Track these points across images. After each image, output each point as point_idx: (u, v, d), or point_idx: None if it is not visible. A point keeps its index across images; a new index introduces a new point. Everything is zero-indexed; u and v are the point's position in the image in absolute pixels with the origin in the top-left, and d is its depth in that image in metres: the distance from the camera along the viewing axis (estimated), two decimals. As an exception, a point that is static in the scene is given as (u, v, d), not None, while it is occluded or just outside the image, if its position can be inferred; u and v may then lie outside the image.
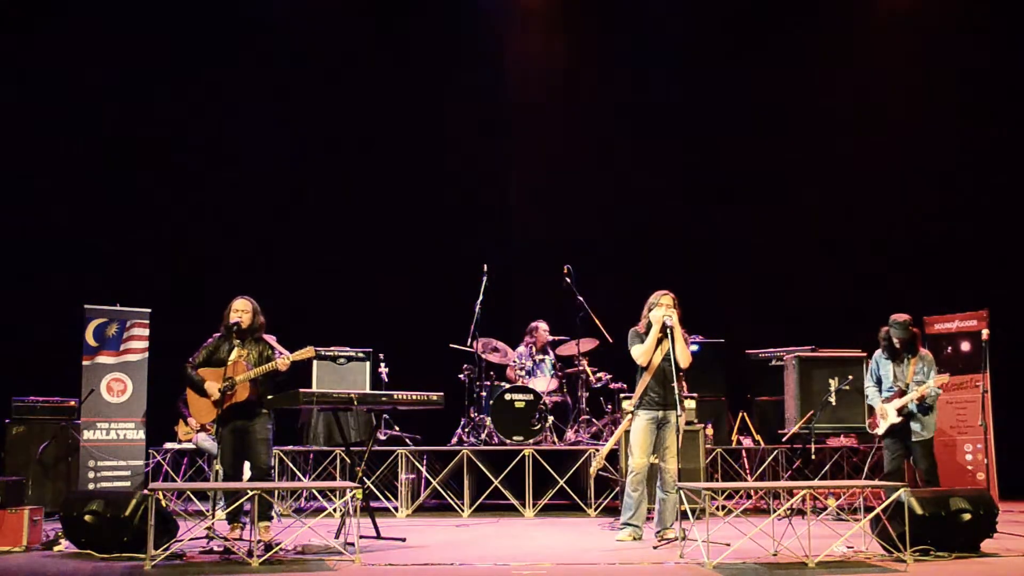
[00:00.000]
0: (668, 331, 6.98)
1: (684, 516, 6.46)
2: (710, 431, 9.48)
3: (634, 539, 7.07)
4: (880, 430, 7.84)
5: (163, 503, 7.01)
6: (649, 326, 7.07)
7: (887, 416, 7.76)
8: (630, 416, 7.18)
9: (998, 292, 10.26)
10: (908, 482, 7.75)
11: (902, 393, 7.70)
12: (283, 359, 6.87)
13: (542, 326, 9.98)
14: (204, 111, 11.73)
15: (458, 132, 12.03)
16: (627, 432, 7.31)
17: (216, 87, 11.73)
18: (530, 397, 9.27)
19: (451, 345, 9.79)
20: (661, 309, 7.04)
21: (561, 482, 8.90)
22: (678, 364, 6.89)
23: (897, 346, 7.77)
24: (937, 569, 5.89)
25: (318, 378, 9.43)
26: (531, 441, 9.12)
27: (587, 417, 9.59)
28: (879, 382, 7.93)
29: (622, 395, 9.16)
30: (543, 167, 12.15)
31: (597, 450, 8.30)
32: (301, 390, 7.04)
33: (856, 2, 12.27)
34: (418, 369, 9.83)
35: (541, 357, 9.86)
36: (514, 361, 9.90)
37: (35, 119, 11.35)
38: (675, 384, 6.81)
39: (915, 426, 7.69)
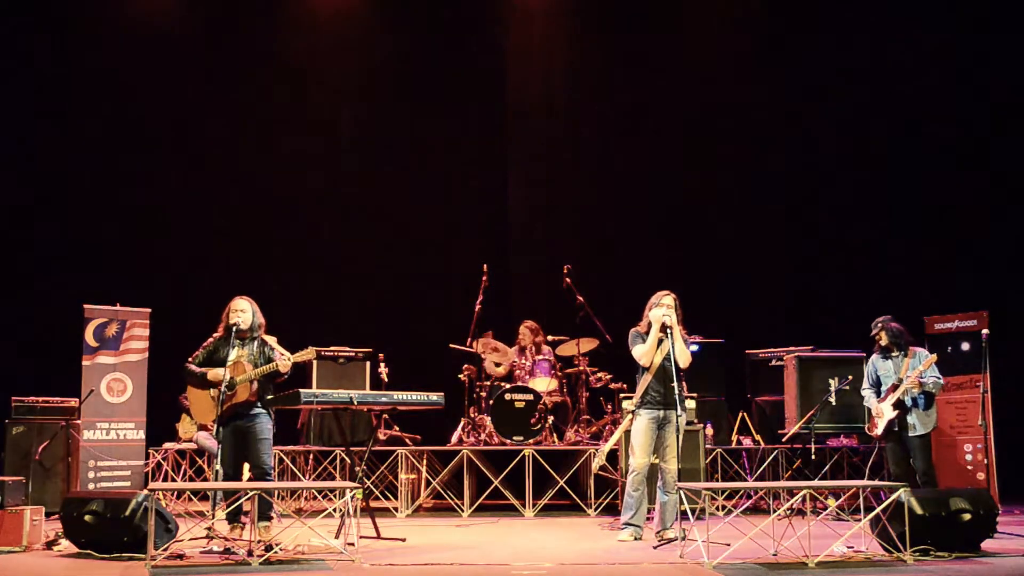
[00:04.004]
0: (668, 331, 7.00)
1: (684, 516, 6.46)
2: (710, 431, 9.48)
3: (635, 539, 7.07)
4: (879, 430, 7.87)
5: (163, 503, 7.01)
6: (650, 326, 7.09)
7: (883, 415, 7.81)
8: (631, 416, 7.20)
9: (998, 292, 10.27)
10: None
11: (895, 389, 7.75)
12: (284, 361, 6.87)
13: (523, 328, 9.97)
14: (204, 111, 11.76)
15: (458, 131, 12.03)
16: (628, 432, 7.32)
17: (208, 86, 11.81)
18: (530, 397, 9.27)
19: (451, 345, 9.79)
20: (661, 309, 7.07)
21: (561, 482, 8.90)
22: (678, 364, 6.91)
23: (884, 344, 7.89)
24: (937, 569, 5.89)
25: (318, 378, 9.42)
26: (531, 441, 9.12)
27: (587, 417, 9.58)
28: (877, 383, 7.99)
29: (622, 395, 9.16)
30: (543, 166, 12.15)
31: (597, 449, 8.31)
32: (301, 390, 7.04)
33: None
34: (418, 369, 9.84)
35: (540, 357, 9.85)
36: (514, 361, 9.89)
37: (36, 118, 11.39)
38: (676, 384, 6.83)
39: (911, 421, 7.74)
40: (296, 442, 9.68)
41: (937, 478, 7.84)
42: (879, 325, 7.96)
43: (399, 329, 11.22)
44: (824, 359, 9.36)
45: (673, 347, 6.98)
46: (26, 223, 11.24)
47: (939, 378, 7.84)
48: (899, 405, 7.75)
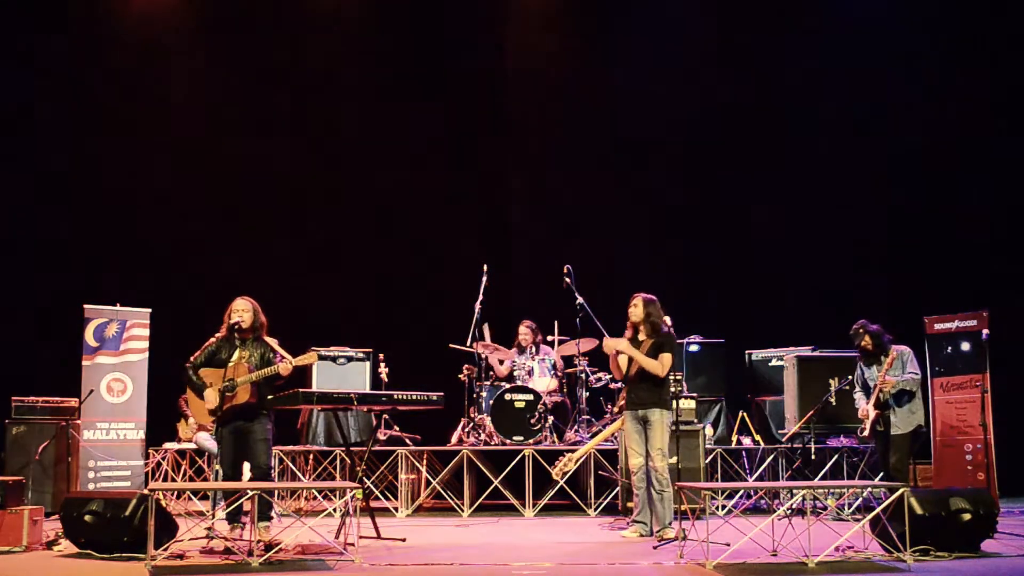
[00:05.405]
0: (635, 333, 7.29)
1: (684, 516, 6.46)
2: (710, 431, 9.48)
3: (640, 535, 7.17)
4: (867, 431, 8.00)
5: (163, 503, 7.01)
6: (634, 330, 7.34)
7: (868, 415, 7.96)
8: (620, 418, 7.36)
9: (998, 292, 10.27)
10: (908, 481, 7.81)
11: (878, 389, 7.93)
12: (285, 364, 6.87)
13: (522, 328, 9.98)
14: (204, 111, 11.77)
15: (458, 131, 12.03)
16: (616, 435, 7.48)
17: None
18: (530, 397, 9.27)
19: (451, 345, 9.79)
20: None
21: (561, 482, 8.89)
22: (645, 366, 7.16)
23: (870, 349, 8.03)
24: (937, 569, 5.89)
25: (318, 378, 9.44)
26: (531, 441, 9.12)
27: (587, 417, 9.58)
28: (866, 386, 8.14)
29: (621, 395, 9.16)
30: (543, 166, 12.14)
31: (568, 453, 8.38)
32: (301, 390, 7.05)
33: None
34: (418, 369, 9.84)
35: (541, 357, 9.84)
36: (513, 361, 9.88)
37: (36, 117, 11.39)
38: (649, 383, 7.09)
39: (893, 420, 7.89)
40: (296, 442, 9.68)
41: (908, 475, 7.94)
42: (861, 332, 8.07)
43: (399, 329, 11.22)
44: (824, 359, 9.37)
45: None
46: (27, 222, 11.23)
47: (916, 373, 7.97)
48: (880, 405, 7.92)
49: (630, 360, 7.23)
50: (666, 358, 7.14)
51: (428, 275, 11.73)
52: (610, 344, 7.32)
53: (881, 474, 8.16)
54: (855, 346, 8.16)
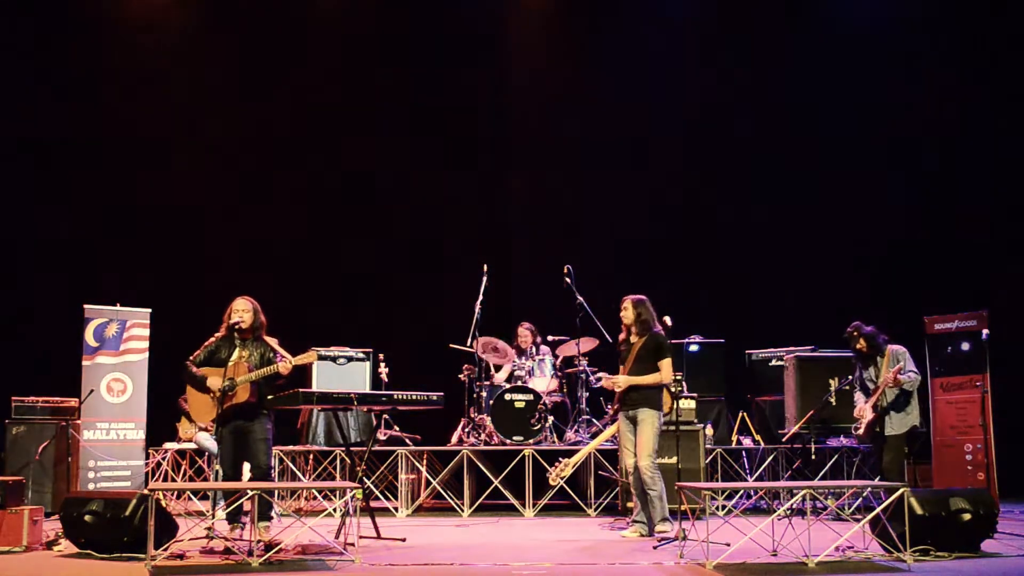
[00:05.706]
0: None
1: (684, 516, 6.46)
2: (710, 431, 9.48)
3: (641, 535, 7.20)
4: (862, 430, 8.01)
5: (163, 503, 7.01)
6: (628, 331, 7.41)
7: (865, 415, 7.96)
8: (617, 420, 7.40)
9: (998, 292, 10.27)
10: (908, 481, 7.82)
11: (879, 391, 7.93)
12: (285, 363, 6.87)
13: (521, 329, 9.99)
14: (204, 111, 11.77)
15: (458, 130, 12.02)
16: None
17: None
18: (530, 397, 9.27)
19: (451, 345, 9.79)
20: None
21: (560, 482, 8.89)
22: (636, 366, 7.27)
23: (868, 352, 8.04)
24: (937, 569, 5.89)
25: (318, 378, 9.43)
26: (531, 441, 9.12)
27: (587, 417, 9.58)
28: (864, 388, 8.15)
29: (616, 397, 9.17)
30: (543, 166, 12.14)
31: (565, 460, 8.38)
32: (301, 390, 7.05)
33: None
34: (418, 369, 9.84)
35: (541, 357, 9.85)
36: (514, 362, 9.88)
37: (37, 117, 11.39)
38: (639, 383, 7.12)
39: (888, 421, 7.90)
40: (296, 442, 9.68)
41: (901, 475, 7.96)
42: (856, 335, 8.08)
43: (399, 329, 11.22)
44: (824, 359, 9.38)
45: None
46: (27, 222, 11.24)
47: (916, 373, 7.98)
48: (877, 407, 7.92)
49: (625, 362, 7.33)
50: (666, 364, 7.19)
51: (428, 275, 11.73)
52: (608, 384, 7.42)
53: (880, 475, 8.17)
54: (850, 348, 8.17)
